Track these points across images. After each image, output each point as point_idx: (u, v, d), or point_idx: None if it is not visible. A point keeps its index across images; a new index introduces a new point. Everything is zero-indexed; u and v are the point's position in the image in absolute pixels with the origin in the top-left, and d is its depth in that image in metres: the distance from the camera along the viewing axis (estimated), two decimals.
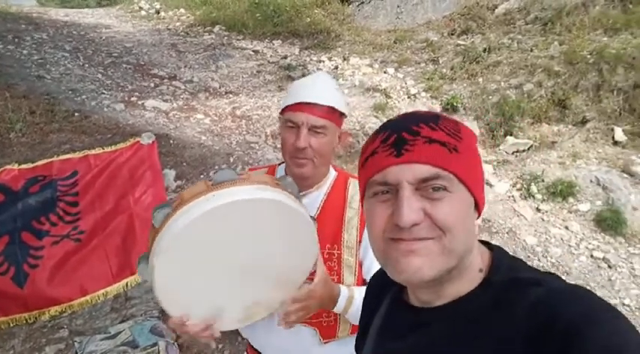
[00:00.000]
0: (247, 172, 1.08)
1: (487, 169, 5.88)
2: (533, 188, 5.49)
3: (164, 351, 3.28)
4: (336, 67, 7.41)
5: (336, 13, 9.23)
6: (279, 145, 4.97)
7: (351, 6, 9.31)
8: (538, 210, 5.28)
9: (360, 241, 1.40)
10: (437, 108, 6.71)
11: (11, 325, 3.29)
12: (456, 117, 6.56)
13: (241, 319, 1.23)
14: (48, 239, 3.58)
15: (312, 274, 1.24)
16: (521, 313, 0.66)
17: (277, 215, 1.05)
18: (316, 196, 1.45)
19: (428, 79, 7.27)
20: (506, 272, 0.75)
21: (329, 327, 1.41)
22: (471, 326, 0.71)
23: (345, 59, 7.70)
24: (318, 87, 1.40)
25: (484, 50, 7.33)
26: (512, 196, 5.48)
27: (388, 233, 0.71)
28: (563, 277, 3.41)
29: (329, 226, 1.40)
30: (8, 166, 3.94)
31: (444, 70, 7.41)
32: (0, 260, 3.35)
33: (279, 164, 1.58)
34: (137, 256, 3.65)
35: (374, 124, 5.86)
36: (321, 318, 1.38)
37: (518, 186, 5.61)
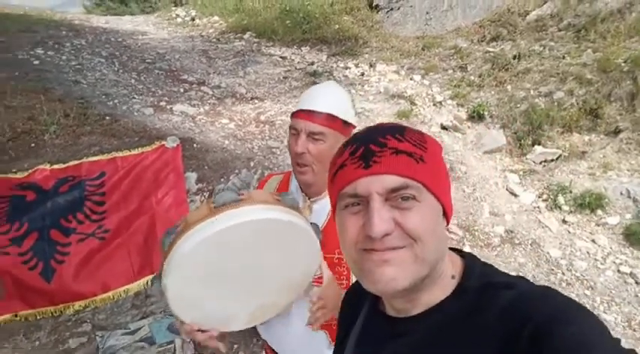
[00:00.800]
0: (247, 192, 1.14)
1: (512, 179, 5.77)
2: (560, 199, 5.35)
3: (180, 349, 3.37)
4: (362, 74, 7.44)
5: (365, 19, 9.26)
6: None
7: (380, 13, 9.33)
8: (564, 222, 5.14)
9: None
10: (463, 115, 6.64)
11: (38, 317, 3.47)
12: (482, 125, 6.49)
13: (248, 321, 1.30)
14: (74, 237, 3.76)
15: (319, 278, 1.31)
16: (494, 317, 0.68)
17: (277, 231, 1.09)
18: (326, 203, 1.49)
19: (455, 86, 7.20)
20: (479, 278, 0.76)
21: None
22: (447, 334, 0.73)
23: (371, 66, 7.73)
24: (320, 95, 1.46)
25: (514, 57, 7.20)
26: (538, 207, 5.35)
27: (360, 244, 0.73)
28: (588, 292, 3.31)
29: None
30: (41, 166, 4.16)
31: (472, 78, 7.32)
32: (29, 256, 3.55)
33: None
34: (157, 255, 3.82)
35: None
36: (332, 321, 1.43)
37: (545, 196, 5.47)
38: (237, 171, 4.48)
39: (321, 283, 1.30)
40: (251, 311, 1.26)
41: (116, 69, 6.67)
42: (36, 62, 6.30)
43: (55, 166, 4.20)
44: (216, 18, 10.50)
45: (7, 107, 4.93)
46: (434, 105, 6.80)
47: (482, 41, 8.12)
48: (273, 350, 1.60)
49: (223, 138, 5.13)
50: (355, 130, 1.48)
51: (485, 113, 6.51)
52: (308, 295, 1.34)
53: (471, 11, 8.79)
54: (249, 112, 5.95)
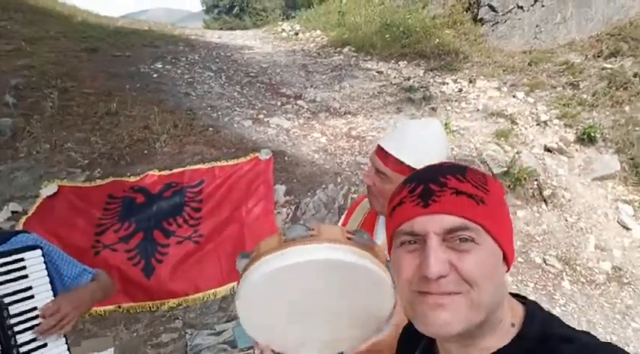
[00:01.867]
0: (318, 228, 1.17)
1: (625, 210, 5.20)
2: None
3: None
4: (460, 90, 7.20)
5: (468, 33, 8.95)
6: None
7: (484, 26, 8.96)
8: None
9: None
10: (571, 137, 6.12)
11: (137, 310, 3.85)
12: (592, 149, 5.95)
13: (319, 352, 1.34)
14: (173, 239, 4.13)
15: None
16: None
17: (343, 271, 1.09)
18: None
19: (564, 105, 6.67)
20: (540, 328, 0.74)
21: None
22: None
23: (471, 81, 7.44)
24: (401, 136, 1.46)
25: (634, 75, 6.50)
26: None
27: (415, 286, 0.72)
28: None
29: None
30: (150, 172, 4.64)
31: (584, 96, 6.73)
32: (134, 253, 3.95)
33: None
34: None
35: (493, 151, 5.57)
36: None
37: None
38: (324, 186, 4.57)
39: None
40: (320, 343, 1.29)
41: (222, 82, 7.16)
42: (155, 75, 6.99)
43: (162, 173, 4.66)
44: (318, 32, 10.82)
45: (128, 116, 5.53)
46: (537, 125, 6.37)
47: (598, 57, 7.43)
48: None
49: (314, 152, 5.27)
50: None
51: (598, 136, 5.95)
52: (381, 333, 1.34)
53: (587, 24, 8.10)
54: (341, 127, 6.05)
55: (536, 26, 8.47)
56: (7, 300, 1.44)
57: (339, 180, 4.69)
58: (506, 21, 8.71)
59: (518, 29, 8.59)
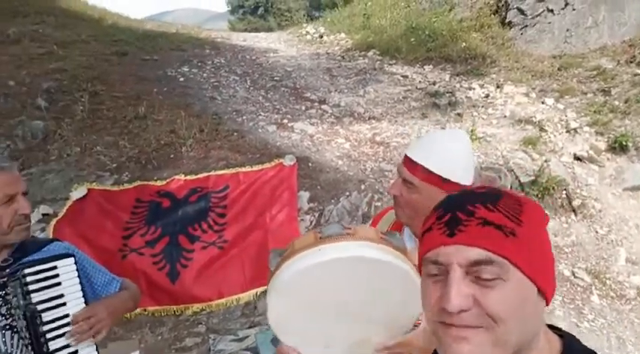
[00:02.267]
0: (354, 227, 1.18)
1: None
2: None
3: None
4: (487, 95, 7.08)
5: (496, 37, 8.80)
6: None
7: (512, 29, 8.80)
8: None
9: None
10: (602, 145, 5.96)
11: (162, 314, 3.91)
12: (624, 158, 5.78)
13: (346, 353, 1.34)
14: (198, 244, 4.17)
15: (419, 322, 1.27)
16: None
17: (378, 270, 1.10)
18: None
19: (594, 112, 6.50)
20: None
21: None
22: None
23: (498, 87, 7.32)
24: (428, 146, 1.45)
25: None
26: None
27: (437, 317, 0.71)
28: None
29: None
30: (177, 176, 4.71)
31: (616, 103, 6.55)
32: (159, 258, 4.01)
33: None
34: (266, 269, 4.02)
35: (520, 159, 5.46)
36: None
37: None
38: (347, 193, 4.56)
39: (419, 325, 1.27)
40: (349, 344, 1.29)
41: (247, 86, 7.22)
42: (181, 79, 7.10)
43: (188, 177, 4.72)
44: (342, 35, 10.81)
45: (155, 120, 5.63)
46: (567, 132, 6.22)
47: (631, 62, 7.22)
48: None
49: (337, 158, 5.26)
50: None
51: (630, 144, 5.78)
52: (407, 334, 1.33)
53: (620, 29, 7.87)
54: (365, 132, 6.02)
55: (567, 30, 8.28)
56: (40, 307, 1.48)
57: (362, 187, 4.67)
58: (535, 24, 8.54)
59: (548, 33, 8.41)
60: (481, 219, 0.67)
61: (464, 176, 1.42)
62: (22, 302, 1.45)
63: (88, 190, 4.48)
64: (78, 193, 4.44)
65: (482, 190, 0.75)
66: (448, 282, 0.67)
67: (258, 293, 3.95)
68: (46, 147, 5.19)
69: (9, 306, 1.46)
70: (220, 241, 4.17)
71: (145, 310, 3.79)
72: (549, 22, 8.43)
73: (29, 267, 1.48)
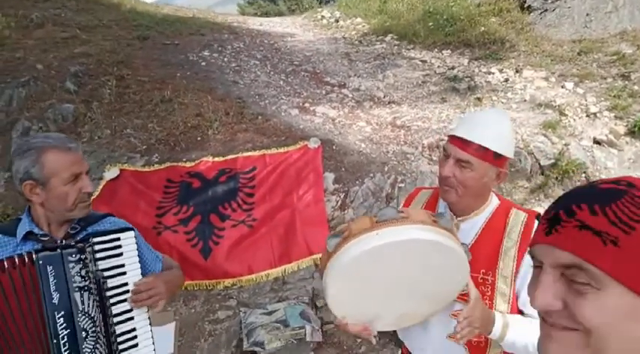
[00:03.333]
0: (407, 210, 1.28)
1: None
2: None
3: (310, 335, 3.68)
4: (506, 80, 7.10)
5: (515, 21, 8.76)
6: (434, 158, 5.06)
7: (532, 14, 8.75)
8: None
9: (516, 272, 1.44)
10: (621, 130, 5.99)
11: (195, 288, 4.08)
12: None
13: (392, 324, 1.46)
14: (229, 222, 4.33)
15: (463, 295, 1.38)
16: None
17: (432, 251, 1.20)
18: (474, 223, 1.55)
19: (614, 96, 6.51)
20: None
21: (479, 348, 1.51)
22: None
23: (517, 71, 7.33)
24: (478, 124, 1.48)
25: None
26: None
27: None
28: None
29: (484, 252, 1.49)
30: (205, 158, 4.85)
31: (636, 87, 6.54)
32: (192, 235, 4.18)
33: None
34: (296, 247, 4.18)
35: (541, 142, 5.52)
36: (474, 338, 1.44)
37: None
38: (371, 174, 4.67)
39: (465, 299, 1.36)
40: (396, 316, 1.42)
41: (268, 71, 7.31)
42: (203, 63, 7.20)
43: (216, 159, 4.85)
44: (359, 19, 10.79)
45: (181, 104, 5.75)
46: (587, 116, 6.24)
47: None
48: (409, 352, 1.74)
49: (360, 141, 5.36)
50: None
51: None
52: (449, 309, 1.46)
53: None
54: (385, 116, 6.10)
55: (587, 15, 8.23)
56: (105, 274, 1.61)
57: (385, 169, 4.77)
58: (555, 9, 8.49)
59: (568, 18, 8.36)
60: (579, 222, 0.63)
61: (511, 150, 1.51)
62: (93, 268, 1.58)
63: (120, 170, 4.64)
64: (111, 173, 4.61)
65: (601, 188, 0.66)
66: (539, 279, 0.67)
67: (287, 270, 4.11)
68: (77, 129, 5.34)
69: (87, 269, 1.58)
70: (250, 220, 4.32)
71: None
72: (569, 7, 8.37)
73: (96, 236, 1.60)
